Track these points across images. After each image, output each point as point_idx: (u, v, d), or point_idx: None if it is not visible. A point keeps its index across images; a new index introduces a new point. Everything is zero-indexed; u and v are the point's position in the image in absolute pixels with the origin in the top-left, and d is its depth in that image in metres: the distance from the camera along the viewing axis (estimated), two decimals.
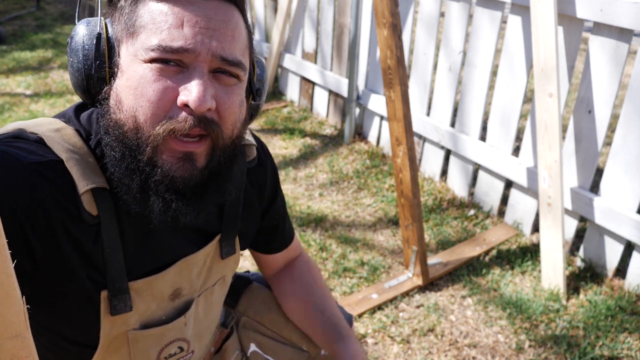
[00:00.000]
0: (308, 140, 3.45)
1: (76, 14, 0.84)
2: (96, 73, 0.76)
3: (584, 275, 2.28)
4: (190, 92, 0.72)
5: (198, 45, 0.73)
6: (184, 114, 0.73)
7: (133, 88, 0.73)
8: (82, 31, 0.77)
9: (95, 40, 0.76)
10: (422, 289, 2.20)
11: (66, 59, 4.71)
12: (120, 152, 0.75)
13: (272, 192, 1.08)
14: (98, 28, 0.77)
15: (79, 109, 0.85)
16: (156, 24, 0.73)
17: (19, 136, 0.79)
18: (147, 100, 0.73)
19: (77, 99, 3.98)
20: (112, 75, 0.77)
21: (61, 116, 0.85)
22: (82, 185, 0.76)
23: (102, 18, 0.79)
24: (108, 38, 0.77)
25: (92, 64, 0.76)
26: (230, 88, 0.77)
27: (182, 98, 0.73)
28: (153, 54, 0.72)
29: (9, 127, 0.81)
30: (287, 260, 1.21)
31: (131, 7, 0.75)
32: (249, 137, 1.00)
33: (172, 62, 0.73)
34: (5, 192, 0.70)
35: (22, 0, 6.81)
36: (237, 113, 0.79)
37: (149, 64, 0.73)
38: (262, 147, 1.05)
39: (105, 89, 0.77)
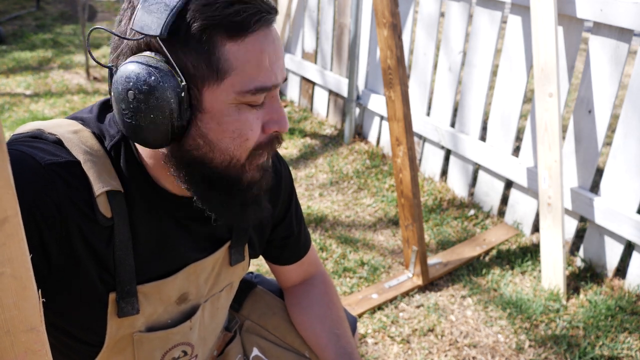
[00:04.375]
0: (308, 140, 3.45)
1: (110, 53, 0.77)
2: (179, 121, 0.73)
3: (584, 275, 2.28)
4: (278, 122, 0.79)
5: (279, 79, 0.77)
6: (272, 137, 0.80)
7: (230, 131, 0.75)
8: (157, 83, 0.69)
9: (180, 96, 0.71)
10: (422, 289, 2.20)
11: (66, 60, 4.74)
12: (209, 183, 0.79)
13: (287, 201, 1.07)
14: (178, 80, 0.71)
15: (100, 112, 0.85)
16: (245, 66, 0.73)
17: (38, 136, 0.79)
18: (246, 140, 0.77)
19: (76, 99, 3.98)
20: (192, 115, 0.74)
21: (76, 118, 0.85)
22: (98, 188, 0.77)
23: (170, 59, 0.71)
24: (186, 81, 0.72)
25: (177, 116, 0.72)
26: None
27: (274, 127, 0.79)
28: (249, 97, 0.74)
29: (28, 126, 0.81)
30: (303, 275, 1.19)
31: (207, 45, 0.70)
32: None
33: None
34: (23, 193, 0.70)
35: (22, 0, 6.81)
36: None
37: (241, 105, 0.75)
38: (277, 156, 1.04)
39: (187, 130, 0.75)
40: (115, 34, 0.74)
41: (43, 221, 0.72)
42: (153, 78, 0.69)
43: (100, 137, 0.81)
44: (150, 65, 0.70)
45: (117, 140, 0.81)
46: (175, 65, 0.71)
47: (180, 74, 0.71)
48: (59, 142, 0.78)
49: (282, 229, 1.08)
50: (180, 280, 0.89)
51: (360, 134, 3.45)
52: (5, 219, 0.35)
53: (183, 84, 0.71)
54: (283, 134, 0.82)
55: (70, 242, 0.76)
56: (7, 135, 3.36)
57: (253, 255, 1.05)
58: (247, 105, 0.75)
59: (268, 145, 0.80)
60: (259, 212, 0.85)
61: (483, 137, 2.87)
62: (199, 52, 0.71)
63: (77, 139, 0.79)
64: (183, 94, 0.71)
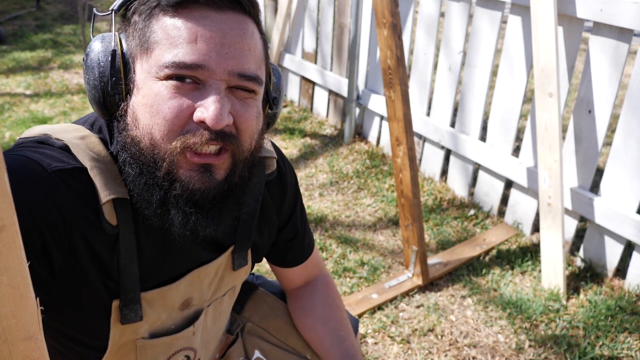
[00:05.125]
0: (308, 140, 3.45)
1: (91, 28, 0.83)
2: (112, 90, 0.76)
3: (584, 275, 2.28)
4: (207, 109, 0.71)
5: (213, 63, 0.72)
6: (200, 129, 0.73)
7: (149, 106, 0.73)
8: (97, 47, 0.76)
9: (110, 57, 0.75)
10: (422, 289, 2.20)
11: (66, 60, 4.74)
12: (138, 169, 0.75)
13: (292, 205, 1.06)
14: (113, 44, 0.76)
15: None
16: (169, 40, 0.72)
17: (44, 142, 0.78)
18: (163, 118, 0.72)
19: (76, 99, 3.98)
20: (128, 91, 0.76)
21: (84, 122, 0.84)
22: (104, 195, 0.76)
23: (117, 33, 0.77)
24: (123, 54, 0.76)
25: (108, 80, 0.75)
26: (246, 101, 0.77)
27: (198, 115, 0.72)
28: (167, 71, 0.71)
29: (34, 131, 0.81)
30: (306, 277, 1.18)
31: (145, 22, 0.74)
32: (269, 148, 0.99)
33: (187, 79, 0.72)
34: (28, 199, 0.70)
35: (22, 0, 6.81)
36: (255, 125, 0.79)
37: (164, 82, 0.72)
38: (282, 159, 1.03)
39: (122, 105, 0.77)
40: (96, 14, 0.82)
41: (46, 227, 0.71)
42: (94, 43, 0.77)
43: (106, 142, 0.81)
44: (102, 36, 0.78)
45: (118, 152, 0.80)
46: (118, 35, 0.77)
47: (119, 42, 0.76)
48: (65, 148, 0.77)
49: (286, 232, 1.08)
50: (184, 286, 0.89)
51: (360, 134, 3.45)
52: (2, 227, 0.35)
53: (112, 48, 0.75)
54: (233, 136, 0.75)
55: (74, 248, 0.75)
56: (8, 135, 3.36)
57: (256, 260, 1.04)
58: (174, 85, 0.72)
59: (199, 137, 0.72)
60: (193, 223, 0.76)
61: (483, 137, 2.86)
62: (139, 27, 0.75)
63: (84, 145, 0.78)
64: (110, 58, 0.75)
